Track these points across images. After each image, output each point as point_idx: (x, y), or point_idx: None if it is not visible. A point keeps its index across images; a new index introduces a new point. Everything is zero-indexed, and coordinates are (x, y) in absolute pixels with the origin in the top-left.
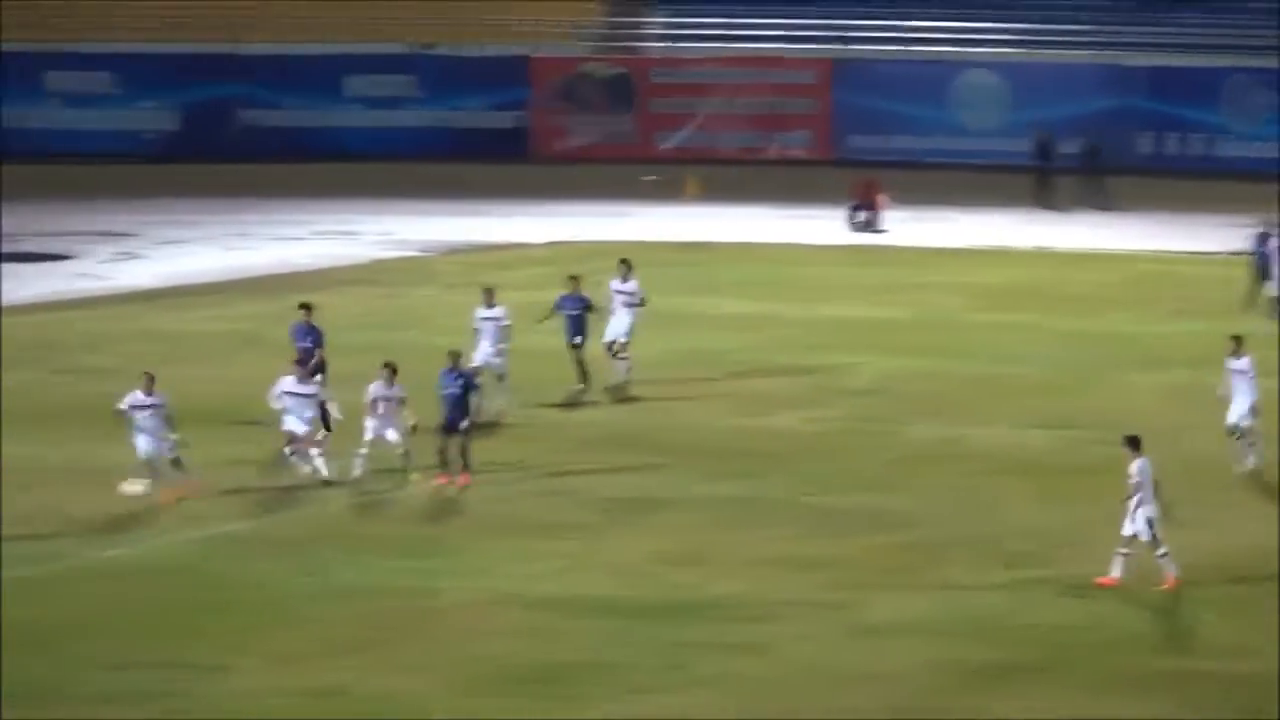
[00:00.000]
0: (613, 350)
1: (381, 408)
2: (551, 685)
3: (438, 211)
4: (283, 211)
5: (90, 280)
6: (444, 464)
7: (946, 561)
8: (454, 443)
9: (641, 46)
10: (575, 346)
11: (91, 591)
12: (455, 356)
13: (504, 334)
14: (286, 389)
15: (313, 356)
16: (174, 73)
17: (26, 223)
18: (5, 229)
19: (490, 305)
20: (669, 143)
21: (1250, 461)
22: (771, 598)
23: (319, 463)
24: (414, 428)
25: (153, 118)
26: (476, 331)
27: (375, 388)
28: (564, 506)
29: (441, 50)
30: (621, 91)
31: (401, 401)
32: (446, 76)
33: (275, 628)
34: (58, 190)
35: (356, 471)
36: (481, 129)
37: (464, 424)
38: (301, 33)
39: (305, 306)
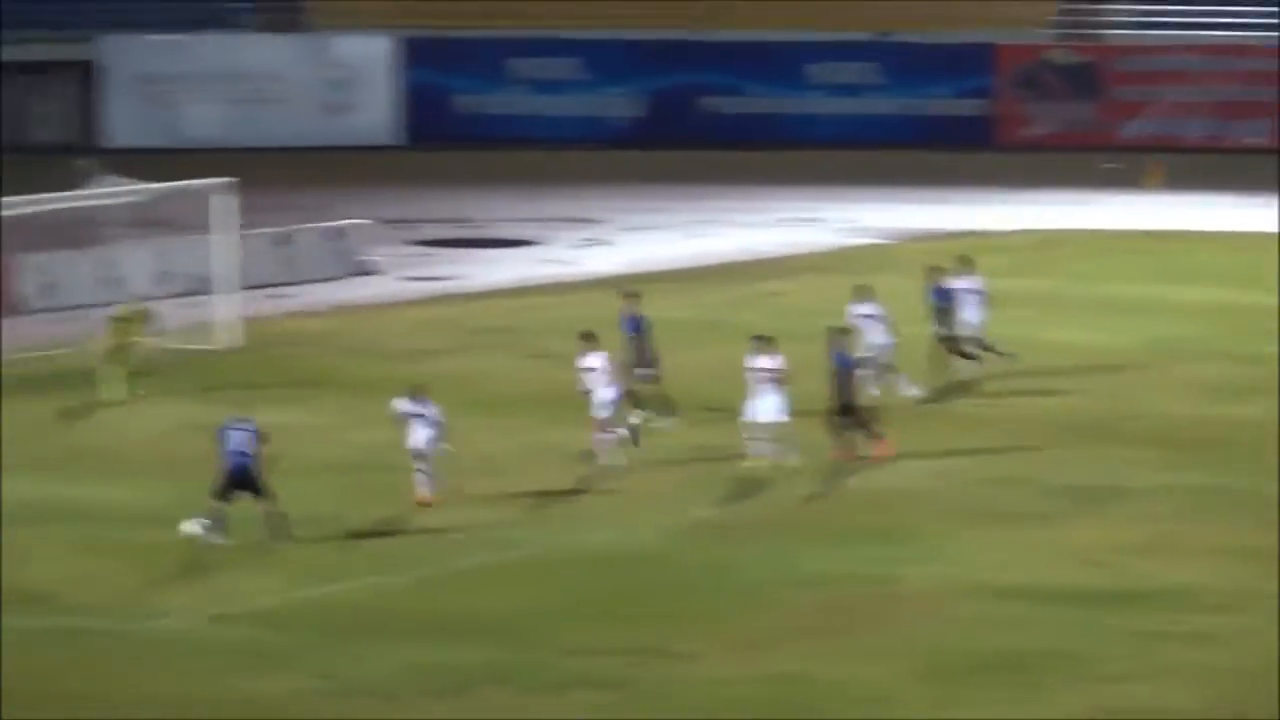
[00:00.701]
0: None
1: (757, 383)
2: (1014, 674)
3: (900, 199)
4: (746, 198)
5: (558, 266)
6: (842, 439)
7: None
8: (846, 420)
9: (1105, 34)
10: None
11: (557, 578)
12: (841, 334)
13: (889, 328)
14: (586, 365)
15: (641, 345)
16: (640, 59)
17: (493, 208)
18: (472, 215)
19: (862, 300)
20: (1131, 131)
21: None
22: (1234, 588)
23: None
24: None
25: (619, 104)
26: (855, 329)
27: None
28: (1024, 494)
29: (905, 37)
30: (1084, 79)
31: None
32: (910, 63)
33: (740, 614)
34: (523, 176)
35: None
36: (945, 116)
37: (848, 402)
38: (766, 20)
39: (631, 295)
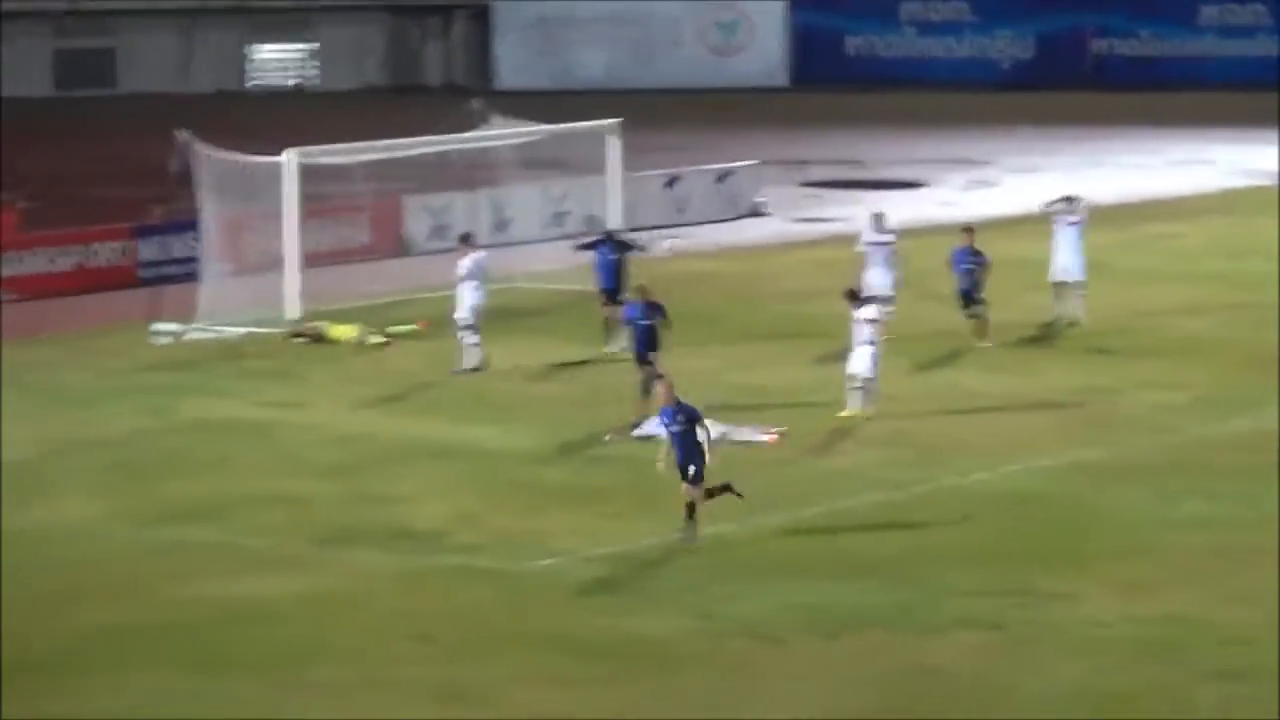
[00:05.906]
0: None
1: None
2: None
3: None
4: (1135, 140)
5: (947, 208)
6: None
7: None
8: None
9: None
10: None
11: (938, 518)
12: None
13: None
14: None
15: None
16: (1029, 2)
17: (881, 150)
18: (861, 156)
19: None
20: None
21: None
22: None
23: None
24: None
25: (1007, 46)
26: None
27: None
28: None
29: None
30: None
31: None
32: None
33: (1126, 556)
34: (912, 118)
35: None
36: None
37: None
38: None
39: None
